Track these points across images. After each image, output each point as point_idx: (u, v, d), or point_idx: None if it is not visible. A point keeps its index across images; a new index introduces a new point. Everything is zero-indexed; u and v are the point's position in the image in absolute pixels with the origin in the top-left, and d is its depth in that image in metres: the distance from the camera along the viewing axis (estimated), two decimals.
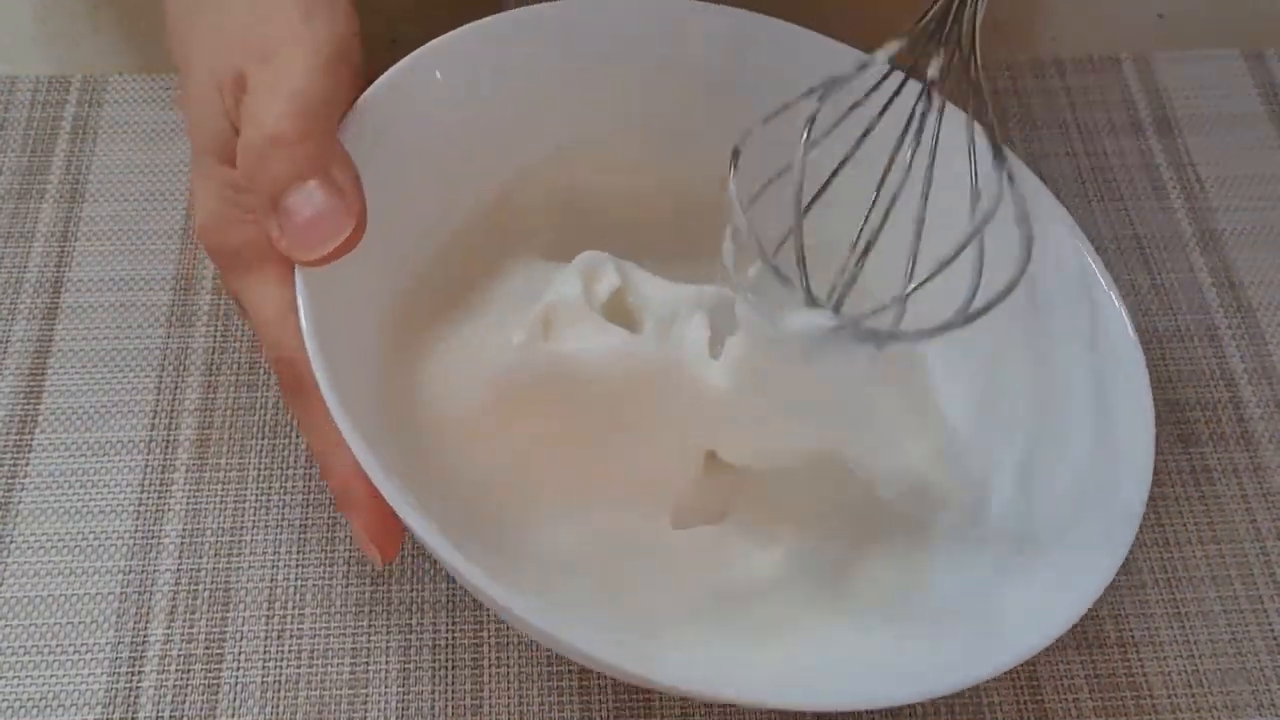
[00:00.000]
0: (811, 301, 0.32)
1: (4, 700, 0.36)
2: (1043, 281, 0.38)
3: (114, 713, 0.36)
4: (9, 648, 0.37)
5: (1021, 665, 0.32)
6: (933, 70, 0.32)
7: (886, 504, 0.38)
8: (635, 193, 0.42)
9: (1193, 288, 0.46)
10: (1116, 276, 0.46)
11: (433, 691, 0.37)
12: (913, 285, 0.31)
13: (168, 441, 0.41)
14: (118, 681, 0.37)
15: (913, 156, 0.33)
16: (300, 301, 0.32)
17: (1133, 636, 0.39)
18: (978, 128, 0.33)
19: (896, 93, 0.34)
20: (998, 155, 0.32)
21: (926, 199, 0.33)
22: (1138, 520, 0.33)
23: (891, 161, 0.33)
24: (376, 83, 0.37)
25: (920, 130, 0.33)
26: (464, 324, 0.38)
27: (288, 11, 0.34)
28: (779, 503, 0.37)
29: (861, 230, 0.34)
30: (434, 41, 0.38)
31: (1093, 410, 0.36)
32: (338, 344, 0.32)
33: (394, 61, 0.51)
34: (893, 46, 0.32)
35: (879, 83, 0.34)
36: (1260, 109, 0.50)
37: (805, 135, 0.31)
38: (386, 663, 0.37)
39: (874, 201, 0.34)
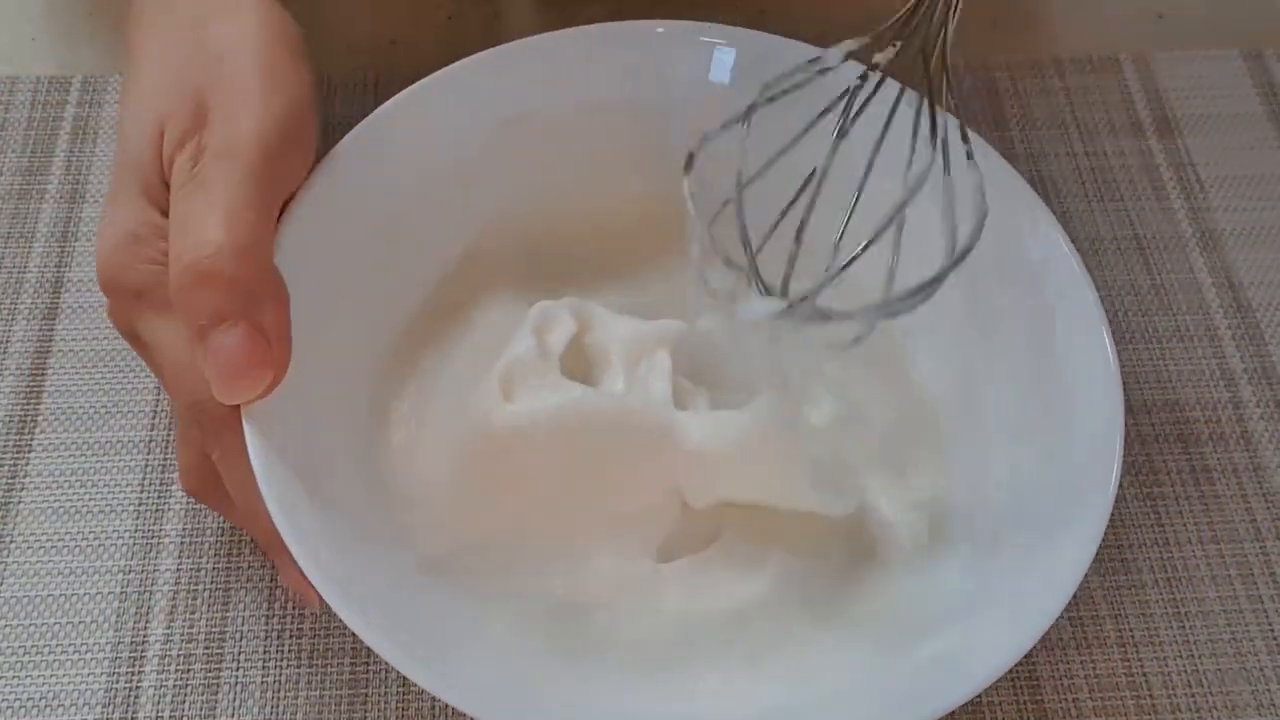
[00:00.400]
0: (763, 289, 0.32)
1: (3, 700, 0.36)
2: (1026, 281, 0.38)
3: (113, 712, 0.36)
4: (9, 647, 0.37)
5: (1021, 664, 0.32)
6: (879, 58, 0.32)
7: (878, 518, 0.38)
8: (605, 222, 0.42)
9: (1192, 288, 0.46)
10: (1116, 277, 0.46)
11: None
12: (848, 260, 0.32)
13: (168, 441, 0.41)
14: (117, 681, 0.37)
15: (845, 128, 0.33)
16: None
17: (1132, 636, 0.39)
18: (925, 110, 0.33)
19: (857, 92, 0.34)
20: (934, 131, 0.32)
21: (867, 175, 0.33)
22: (1104, 520, 0.33)
23: (835, 149, 0.33)
24: (349, 136, 0.37)
25: (858, 112, 0.33)
26: (436, 379, 0.39)
27: (246, 62, 0.34)
28: (768, 523, 0.36)
29: (798, 211, 0.34)
30: (408, 89, 0.39)
31: (1064, 414, 0.36)
32: (282, 407, 0.33)
33: (393, 61, 0.52)
34: (849, 45, 0.32)
35: (855, 90, 0.34)
36: (1259, 109, 0.50)
37: (744, 125, 0.32)
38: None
39: (809, 182, 0.34)
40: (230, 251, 0.31)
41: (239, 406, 0.32)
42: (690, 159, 0.33)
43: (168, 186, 0.34)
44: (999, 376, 0.38)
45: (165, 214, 0.34)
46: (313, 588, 0.31)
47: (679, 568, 0.36)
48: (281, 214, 0.35)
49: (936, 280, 0.30)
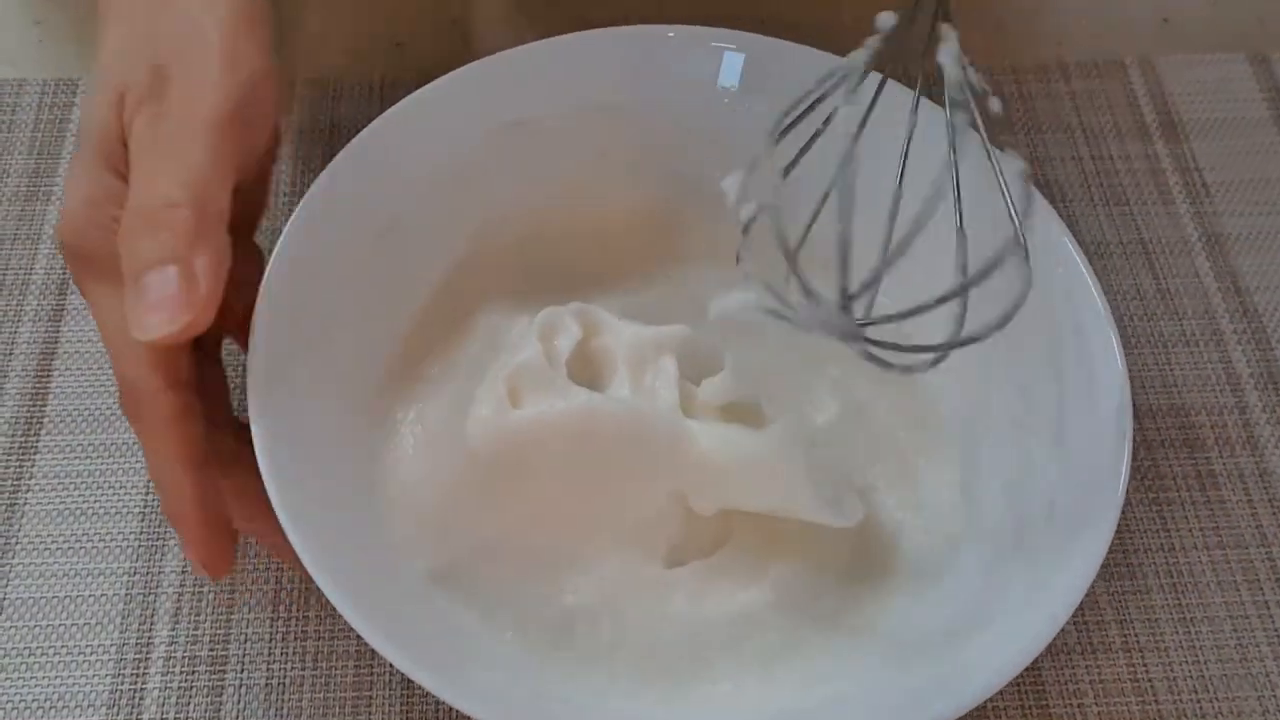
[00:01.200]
0: (810, 295, 0.31)
1: (9, 701, 0.36)
2: (1034, 285, 0.38)
3: (118, 714, 0.36)
4: (15, 649, 0.37)
5: (1026, 669, 0.32)
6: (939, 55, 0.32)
7: (885, 522, 0.38)
8: (608, 227, 0.42)
9: (1198, 292, 0.46)
10: (1121, 281, 0.46)
11: None
12: (875, 273, 0.31)
13: None
14: (122, 683, 0.37)
15: (857, 135, 0.33)
16: (252, 363, 0.33)
17: (1138, 641, 0.39)
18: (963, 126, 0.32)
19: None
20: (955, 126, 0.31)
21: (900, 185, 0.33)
22: (1111, 527, 0.33)
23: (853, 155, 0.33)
24: (351, 143, 0.37)
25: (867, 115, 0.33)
26: (440, 385, 0.39)
27: (209, 34, 0.34)
28: (776, 527, 0.36)
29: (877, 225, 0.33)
30: (410, 96, 0.39)
31: (1073, 420, 0.36)
32: (288, 415, 0.33)
33: (398, 64, 0.52)
34: (863, 55, 0.31)
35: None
36: (1266, 114, 0.50)
37: (772, 145, 0.31)
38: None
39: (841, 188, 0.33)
40: (183, 205, 0.31)
41: (165, 390, 0.32)
42: (753, 167, 0.32)
43: (128, 151, 0.34)
44: (1006, 380, 0.38)
45: (124, 179, 0.34)
46: (206, 565, 0.32)
47: (686, 573, 0.36)
48: (286, 221, 0.35)
49: (991, 329, 0.30)
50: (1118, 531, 0.34)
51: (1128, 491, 0.34)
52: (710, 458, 0.35)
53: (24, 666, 0.37)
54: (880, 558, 0.37)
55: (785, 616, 0.35)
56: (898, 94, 0.36)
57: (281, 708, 0.36)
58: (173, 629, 0.38)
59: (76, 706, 0.36)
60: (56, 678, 0.37)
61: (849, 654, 0.35)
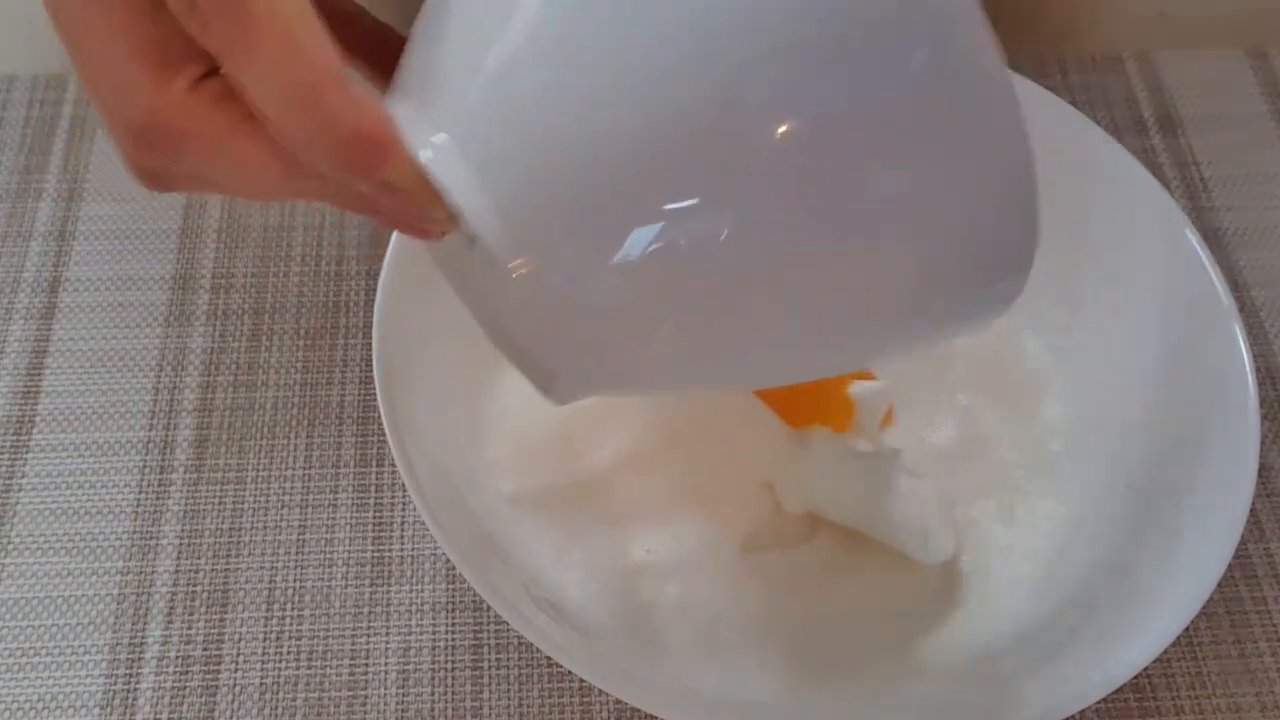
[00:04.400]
0: None
1: (2, 702, 0.36)
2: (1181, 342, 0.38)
3: (111, 715, 0.36)
4: (6, 649, 0.37)
5: None
6: None
7: (979, 552, 0.37)
8: None
9: None
10: None
11: (432, 693, 0.37)
12: None
13: (166, 442, 0.41)
14: (115, 683, 0.37)
15: None
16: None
17: None
18: None
19: None
20: None
21: None
22: (1203, 596, 0.32)
23: None
24: None
25: None
26: None
27: None
28: (865, 537, 0.36)
29: None
30: None
31: (1190, 472, 0.35)
32: (410, 318, 0.33)
33: None
34: None
35: None
36: (1264, 108, 0.50)
37: None
38: (385, 664, 0.37)
39: None
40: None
41: None
42: None
43: None
44: (1122, 429, 0.37)
45: None
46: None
47: (764, 561, 0.36)
48: None
49: None
50: None
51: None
52: (805, 461, 0.34)
53: (16, 667, 0.37)
54: (968, 592, 0.36)
55: (854, 631, 0.35)
56: None
57: (276, 707, 0.36)
58: (166, 629, 0.37)
59: (70, 707, 0.36)
60: (49, 678, 0.37)
61: (911, 683, 0.34)
